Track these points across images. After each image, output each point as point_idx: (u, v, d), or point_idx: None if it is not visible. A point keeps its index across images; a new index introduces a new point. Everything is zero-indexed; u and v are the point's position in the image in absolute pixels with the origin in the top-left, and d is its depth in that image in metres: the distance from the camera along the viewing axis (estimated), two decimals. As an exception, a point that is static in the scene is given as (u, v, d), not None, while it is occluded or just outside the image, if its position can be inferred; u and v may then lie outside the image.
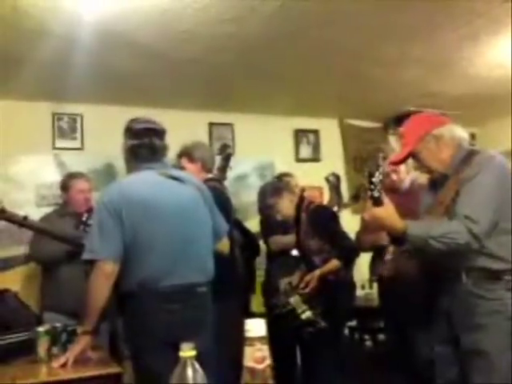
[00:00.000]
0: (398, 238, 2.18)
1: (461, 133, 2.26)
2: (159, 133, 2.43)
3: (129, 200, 2.22)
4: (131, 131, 2.40)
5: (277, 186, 3.42)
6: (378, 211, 2.13)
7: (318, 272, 3.07)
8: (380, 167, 2.12)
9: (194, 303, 2.26)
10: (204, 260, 2.38)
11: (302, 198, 3.29)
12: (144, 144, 2.36)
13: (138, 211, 2.22)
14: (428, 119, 2.35)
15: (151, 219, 2.23)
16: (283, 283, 3.34)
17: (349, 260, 3.16)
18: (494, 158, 2.14)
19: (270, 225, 3.90)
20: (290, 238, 3.72)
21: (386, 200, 2.13)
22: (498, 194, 2.05)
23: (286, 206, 3.25)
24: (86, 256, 2.21)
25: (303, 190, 3.54)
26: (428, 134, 2.23)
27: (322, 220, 3.16)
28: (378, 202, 2.12)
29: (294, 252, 3.68)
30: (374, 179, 2.11)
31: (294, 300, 3.10)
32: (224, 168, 3.29)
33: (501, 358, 2.03)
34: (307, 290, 3.07)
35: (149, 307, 2.18)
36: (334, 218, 3.21)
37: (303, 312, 3.02)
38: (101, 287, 2.19)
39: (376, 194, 2.12)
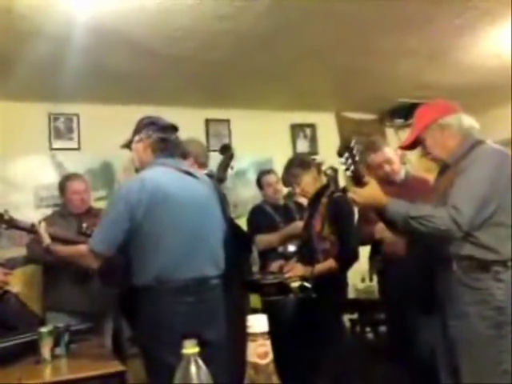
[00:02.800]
0: (389, 219, 2.22)
1: (469, 123, 2.26)
2: (177, 131, 2.54)
3: (150, 192, 2.25)
4: (156, 125, 2.46)
5: (306, 159, 3.42)
6: (362, 191, 2.19)
7: (300, 269, 3.07)
8: (353, 148, 2.18)
9: (207, 296, 2.32)
10: (216, 253, 2.45)
11: (327, 185, 3.27)
12: (170, 139, 2.46)
13: (158, 203, 2.26)
14: (437, 107, 2.35)
15: (169, 212, 2.28)
16: (274, 265, 3.43)
17: (347, 263, 3.14)
18: (492, 152, 2.15)
19: (255, 222, 3.92)
20: (273, 237, 3.74)
21: (369, 179, 2.20)
22: (487, 186, 2.06)
23: (307, 181, 3.21)
24: (88, 244, 2.33)
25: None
26: (434, 122, 2.26)
27: (341, 212, 3.11)
28: (357, 182, 2.19)
29: (281, 249, 3.69)
30: (342, 159, 2.18)
31: (283, 278, 3.12)
32: (226, 167, 3.29)
33: (484, 347, 2.05)
34: (287, 275, 3.08)
35: (165, 300, 2.22)
36: (353, 215, 3.19)
37: (293, 281, 3.03)
38: (85, 263, 2.40)
39: (349, 174, 2.19)
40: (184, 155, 3.14)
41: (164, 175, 2.36)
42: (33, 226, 2.94)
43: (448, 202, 2.06)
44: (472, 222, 2.04)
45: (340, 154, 2.20)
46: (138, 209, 2.22)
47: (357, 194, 2.22)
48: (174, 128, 2.50)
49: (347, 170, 2.20)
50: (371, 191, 2.19)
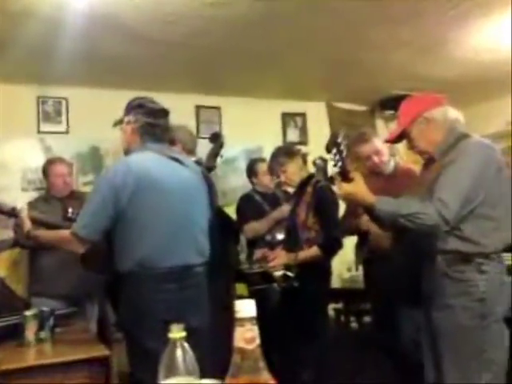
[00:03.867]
0: (376, 216, 2.23)
1: (455, 116, 2.26)
2: (168, 115, 2.47)
3: (136, 176, 2.22)
4: (145, 108, 2.40)
5: (292, 148, 3.47)
6: (348, 187, 2.20)
7: (284, 256, 3.10)
8: (341, 144, 2.19)
9: (190, 283, 2.30)
10: (201, 241, 2.42)
11: (313, 175, 3.28)
12: (159, 124, 2.40)
13: (144, 188, 2.23)
14: (423, 100, 2.35)
15: (155, 197, 2.25)
16: (258, 252, 3.46)
17: (331, 251, 3.15)
18: (478, 145, 2.15)
19: (244, 211, 3.93)
20: (261, 224, 3.74)
21: (356, 176, 2.20)
22: (473, 180, 2.06)
23: (293, 170, 3.25)
24: (71, 228, 2.28)
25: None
26: (420, 115, 2.25)
27: (325, 201, 3.13)
28: (344, 177, 2.20)
29: (268, 237, 3.70)
30: (330, 155, 2.20)
31: (267, 266, 3.13)
32: (215, 156, 3.29)
33: (467, 337, 2.07)
34: (271, 264, 3.10)
35: (148, 287, 2.20)
36: (337, 204, 3.21)
37: (276, 271, 3.05)
38: (69, 248, 2.34)
39: (338, 169, 2.20)
40: (172, 141, 3.12)
41: (151, 160, 2.33)
42: (13, 209, 2.88)
43: (434, 196, 2.06)
44: (458, 216, 2.06)
45: (329, 150, 2.21)
46: (124, 192, 2.19)
47: (343, 190, 2.23)
48: (164, 112, 2.45)
49: (335, 165, 2.21)
50: (357, 188, 2.19)
